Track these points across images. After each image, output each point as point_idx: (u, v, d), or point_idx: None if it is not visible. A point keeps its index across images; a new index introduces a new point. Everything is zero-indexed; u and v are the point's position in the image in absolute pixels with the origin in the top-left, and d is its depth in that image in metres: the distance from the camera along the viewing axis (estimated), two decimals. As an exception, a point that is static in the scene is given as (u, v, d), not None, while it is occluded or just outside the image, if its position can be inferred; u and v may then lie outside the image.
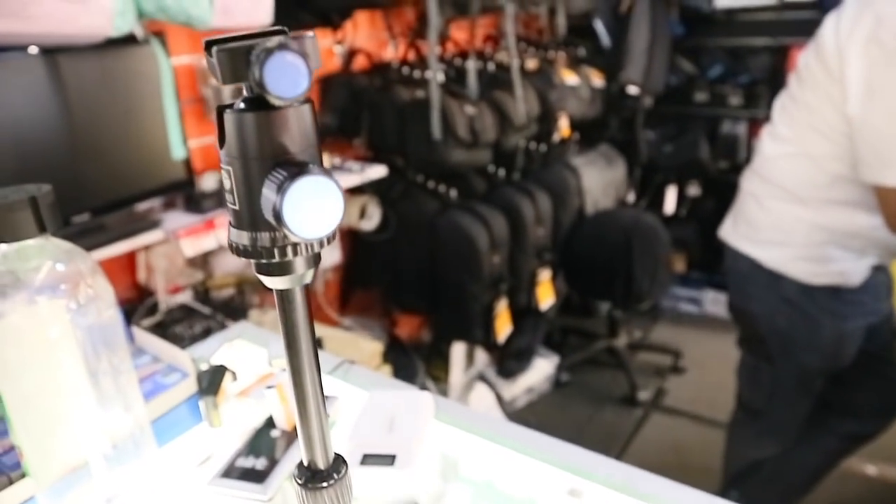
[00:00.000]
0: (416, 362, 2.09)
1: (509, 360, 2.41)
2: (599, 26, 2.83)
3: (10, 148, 1.30)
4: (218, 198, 1.68)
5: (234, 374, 0.76)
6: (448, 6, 2.07)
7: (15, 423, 0.54)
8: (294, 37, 0.23)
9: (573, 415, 2.39)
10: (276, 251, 0.26)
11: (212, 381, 0.73)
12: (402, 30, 2.25)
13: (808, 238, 1.28)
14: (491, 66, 2.28)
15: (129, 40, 1.39)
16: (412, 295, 2.13)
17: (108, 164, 1.49)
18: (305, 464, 0.34)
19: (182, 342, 1.50)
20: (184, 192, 1.67)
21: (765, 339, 1.40)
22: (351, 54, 2.07)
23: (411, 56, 2.19)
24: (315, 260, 0.28)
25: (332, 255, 2.08)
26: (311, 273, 0.28)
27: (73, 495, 0.56)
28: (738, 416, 1.57)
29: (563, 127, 2.49)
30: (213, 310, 1.60)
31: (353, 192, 2.02)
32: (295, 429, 0.66)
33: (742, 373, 1.52)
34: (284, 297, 0.28)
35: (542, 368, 2.50)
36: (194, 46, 1.77)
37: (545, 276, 2.31)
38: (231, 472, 0.61)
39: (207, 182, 1.68)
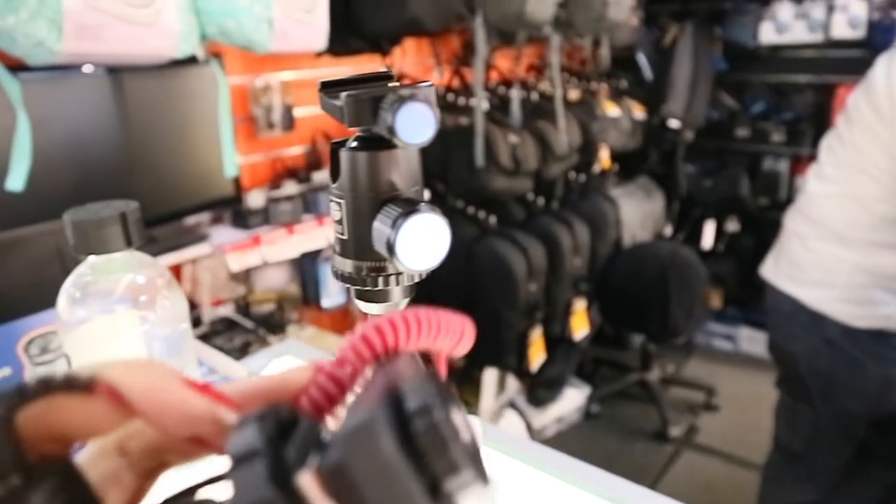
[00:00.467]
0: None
1: (540, 389, 2.40)
2: (642, 59, 2.85)
3: (72, 158, 1.36)
4: (264, 215, 1.72)
5: (284, 389, 0.78)
6: (494, 35, 2.11)
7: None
8: (413, 85, 0.25)
9: (602, 447, 2.36)
10: (379, 280, 0.28)
11: (264, 395, 0.75)
12: (448, 57, 2.29)
13: (851, 280, 1.26)
14: (534, 96, 2.31)
15: (190, 61, 1.45)
16: (446, 318, 2.14)
17: (162, 177, 1.55)
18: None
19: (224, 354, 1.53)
20: (231, 208, 1.72)
21: (805, 380, 1.38)
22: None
23: (456, 83, 2.23)
24: (411, 290, 0.29)
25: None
26: (405, 302, 0.30)
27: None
28: (775, 459, 1.54)
29: (604, 158, 2.50)
30: (255, 324, 1.64)
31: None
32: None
33: (780, 414, 1.50)
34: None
35: (572, 398, 2.49)
36: (247, 67, 1.84)
37: (580, 306, 2.31)
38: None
39: (254, 199, 1.73)
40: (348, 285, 0.29)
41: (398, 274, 0.27)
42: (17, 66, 1.13)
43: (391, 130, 0.24)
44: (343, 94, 0.25)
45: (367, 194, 0.27)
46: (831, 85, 2.65)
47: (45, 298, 0.74)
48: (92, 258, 0.51)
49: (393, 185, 0.27)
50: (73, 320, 0.52)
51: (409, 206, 0.25)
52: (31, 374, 0.66)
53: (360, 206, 0.27)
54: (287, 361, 0.93)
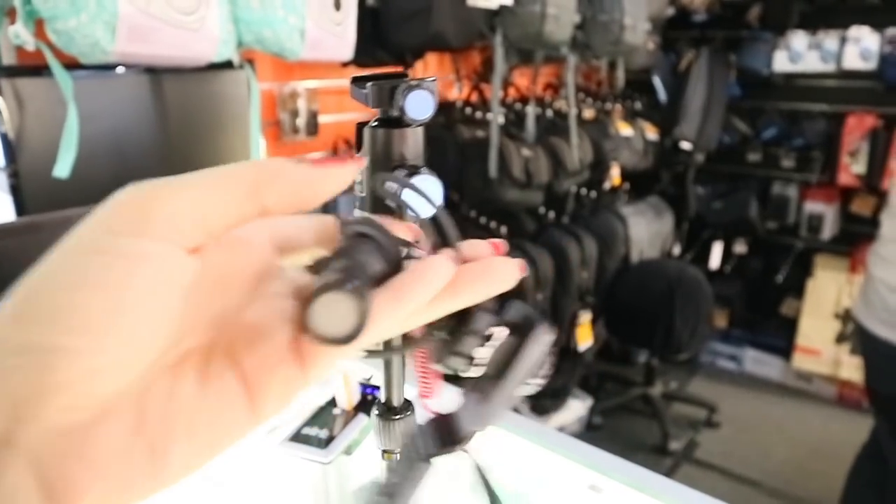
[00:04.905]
0: (453, 388, 2.17)
1: (544, 398, 2.46)
2: (657, 82, 2.93)
3: (112, 152, 1.46)
4: (286, 214, 1.81)
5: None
6: (513, 54, 2.21)
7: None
8: (422, 79, 0.33)
9: (603, 457, 2.41)
10: (386, 229, 0.36)
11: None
12: (468, 73, 2.39)
13: None
14: (549, 113, 2.40)
15: (225, 65, 1.55)
16: (455, 323, 2.21)
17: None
18: (384, 401, 0.43)
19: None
20: (256, 205, 1.81)
21: None
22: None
23: (474, 98, 2.32)
24: (414, 239, 0.38)
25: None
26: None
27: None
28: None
29: (615, 176, 2.58)
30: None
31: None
32: (354, 409, 0.76)
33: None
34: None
35: (575, 409, 2.54)
36: (276, 74, 1.94)
37: (585, 318, 2.37)
38: (297, 438, 0.71)
39: (278, 198, 1.82)
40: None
41: (403, 224, 0.36)
42: (69, 65, 1.23)
43: (402, 110, 0.32)
44: (369, 84, 0.33)
45: (382, 161, 0.35)
46: (842, 114, 2.71)
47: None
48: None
49: (402, 155, 0.35)
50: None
51: (414, 170, 0.34)
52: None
53: (377, 170, 0.35)
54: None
